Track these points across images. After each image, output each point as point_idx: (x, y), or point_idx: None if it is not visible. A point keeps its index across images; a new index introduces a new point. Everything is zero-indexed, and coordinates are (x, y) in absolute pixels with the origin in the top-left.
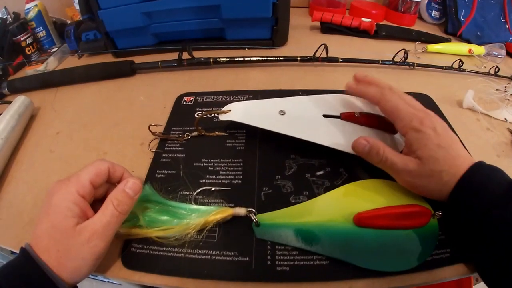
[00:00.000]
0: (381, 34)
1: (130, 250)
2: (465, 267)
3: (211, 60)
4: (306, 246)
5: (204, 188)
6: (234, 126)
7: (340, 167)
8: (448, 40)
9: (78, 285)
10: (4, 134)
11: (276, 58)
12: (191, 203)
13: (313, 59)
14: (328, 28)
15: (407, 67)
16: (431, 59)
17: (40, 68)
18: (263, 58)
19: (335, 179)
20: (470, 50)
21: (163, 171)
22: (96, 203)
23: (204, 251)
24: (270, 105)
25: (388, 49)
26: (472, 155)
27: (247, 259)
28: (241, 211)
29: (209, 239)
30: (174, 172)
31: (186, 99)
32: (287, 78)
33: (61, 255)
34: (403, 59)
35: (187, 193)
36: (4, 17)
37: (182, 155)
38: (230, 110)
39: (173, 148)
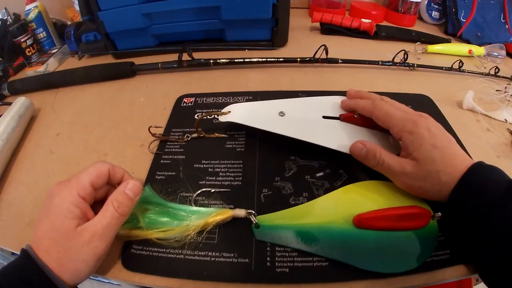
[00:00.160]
0: (381, 35)
1: (130, 251)
2: (465, 268)
3: (211, 61)
4: (306, 248)
5: (204, 189)
6: (234, 128)
7: (340, 168)
8: (448, 41)
9: (78, 286)
10: (4, 135)
11: (276, 59)
12: (191, 205)
13: (313, 60)
14: (328, 29)
15: (407, 68)
16: (431, 60)
17: (40, 69)
18: (263, 59)
19: (334, 181)
20: (470, 51)
21: (163, 173)
22: (96, 204)
23: (204, 253)
24: (270, 107)
25: (388, 50)
26: (472, 156)
27: (247, 260)
28: (241, 212)
29: (209, 241)
30: (174, 173)
31: (186, 101)
32: (287, 79)
33: (61, 257)
34: (403, 60)
35: (187, 194)
36: (4, 18)
37: (182, 157)
38: (230, 112)
39: (173, 149)
